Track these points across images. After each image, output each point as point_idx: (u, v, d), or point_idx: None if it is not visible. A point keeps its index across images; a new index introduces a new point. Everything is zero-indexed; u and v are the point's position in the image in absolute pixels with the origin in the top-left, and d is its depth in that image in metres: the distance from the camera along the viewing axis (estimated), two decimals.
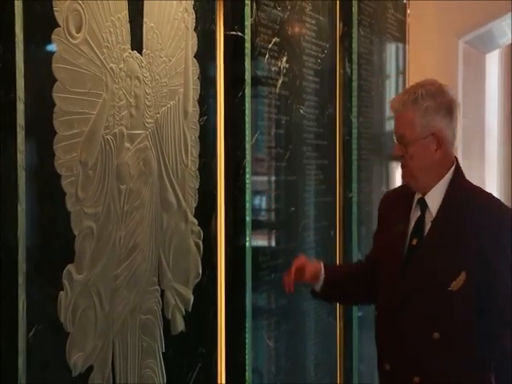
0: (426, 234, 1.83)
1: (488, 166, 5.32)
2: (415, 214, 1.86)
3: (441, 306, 1.78)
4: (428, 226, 1.83)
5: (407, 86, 3.64)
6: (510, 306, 1.80)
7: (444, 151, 1.82)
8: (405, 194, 1.92)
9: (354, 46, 2.99)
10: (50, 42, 1.35)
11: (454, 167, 1.85)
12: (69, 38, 1.39)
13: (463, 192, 1.84)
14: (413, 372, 1.79)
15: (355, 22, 2.99)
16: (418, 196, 1.86)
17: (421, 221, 1.84)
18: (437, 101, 1.80)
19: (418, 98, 1.80)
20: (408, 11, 3.71)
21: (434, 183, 1.83)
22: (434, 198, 1.83)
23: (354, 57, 2.99)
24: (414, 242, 1.83)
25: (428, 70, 3.78)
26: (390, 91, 3.60)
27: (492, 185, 5.40)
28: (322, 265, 1.99)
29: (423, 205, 1.84)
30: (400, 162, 1.86)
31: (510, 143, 5.76)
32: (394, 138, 1.87)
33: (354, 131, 3.00)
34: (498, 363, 1.81)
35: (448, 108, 1.82)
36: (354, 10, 2.99)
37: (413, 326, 1.79)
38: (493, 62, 5.36)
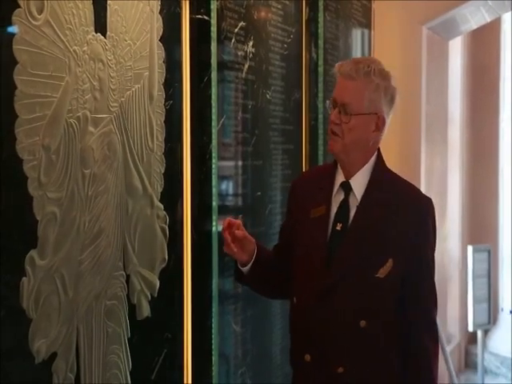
0: (351, 218, 1.77)
1: (451, 151, 5.41)
2: (338, 198, 1.79)
3: (368, 293, 1.73)
4: (353, 210, 1.77)
5: None
6: (432, 295, 1.81)
7: (379, 135, 1.79)
8: (322, 176, 1.85)
9: (320, 31, 2.99)
10: (10, 23, 1.32)
11: (376, 153, 1.82)
12: (30, 19, 1.36)
13: (386, 178, 1.82)
14: (336, 362, 1.74)
15: (321, 7, 2.99)
16: (340, 179, 1.80)
17: (345, 205, 1.78)
18: (386, 83, 1.76)
19: (371, 73, 1.74)
20: None
21: (360, 166, 1.78)
22: (359, 182, 1.78)
23: (320, 42, 2.99)
24: (339, 226, 1.76)
25: (392, 56, 3.82)
26: None
27: (455, 170, 5.49)
28: (255, 242, 1.85)
29: (347, 188, 1.79)
30: (332, 130, 1.76)
31: (473, 129, 5.86)
32: (331, 103, 1.77)
33: (320, 116, 3.01)
34: (415, 362, 1.78)
35: (393, 96, 1.79)
36: None
37: (338, 313, 1.73)
38: (455, 49, 5.43)
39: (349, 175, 1.80)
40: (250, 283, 1.95)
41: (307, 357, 1.77)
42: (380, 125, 1.77)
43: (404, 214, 1.76)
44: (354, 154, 1.78)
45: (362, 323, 1.73)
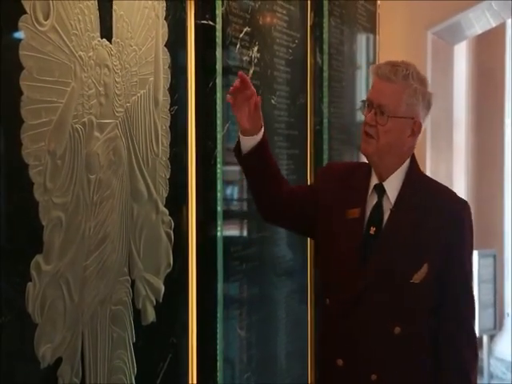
0: (385, 222, 1.75)
1: (456, 156, 5.40)
2: (371, 200, 1.77)
3: (403, 298, 1.71)
4: (387, 213, 1.75)
5: None
6: (467, 295, 1.78)
7: (414, 141, 1.77)
8: (354, 174, 1.82)
9: (325, 36, 2.99)
10: (16, 29, 1.32)
11: (410, 157, 1.80)
12: (36, 25, 1.36)
13: (420, 181, 1.80)
14: (370, 369, 1.71)
15: (326, 12, 2.99)
16: (373, 181, 1.78)
17: (379, 208, 1.76)
18: (424, 89, 1.75)
19: (410, 77, 1.72)
20: (378, 2, 3.73)
21: (394, 170, 1.76)
22: (393, 185, 1.76)
23: (325, 47, 3.00)
24: (373, 230, 1.74)
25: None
26: (361, 82, 3.62)
27: (460, 176, 5.48)
28: (262, 125, 1.80)
29: (381, 191, 1.76)
30: (367, 131, 1.73)
31: (478, 134, 5.85)
32: (366, 104, 1.74)
33: (325, 121, 3.01)
34: (453, 368, 1.74)
35: (430, 101, 1.77)
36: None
37: (372, 319, 1.70)
38: (460, 53, 5.43)
39: (382, 178, 1.77)
40: (245, 164, 1.86)
41: (339, 361, 1.74)
42: (416, 130, 1.75)
43: (439, 216, 1.74)
44: (388, 157, 1.75)
45: (397, 330, 1.70)
